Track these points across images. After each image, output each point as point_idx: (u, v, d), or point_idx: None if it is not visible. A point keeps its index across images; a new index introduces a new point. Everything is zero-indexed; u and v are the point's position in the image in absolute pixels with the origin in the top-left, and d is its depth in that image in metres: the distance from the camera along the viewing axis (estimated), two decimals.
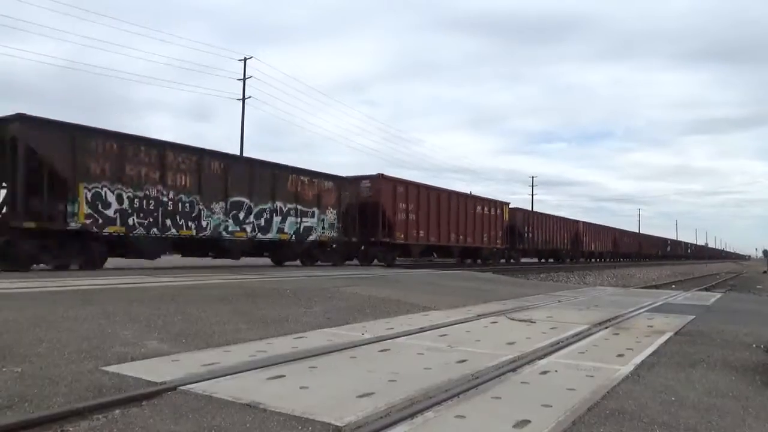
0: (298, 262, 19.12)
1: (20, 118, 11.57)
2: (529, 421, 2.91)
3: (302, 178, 18.47)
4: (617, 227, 57.64)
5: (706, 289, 21.43)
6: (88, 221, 12.45)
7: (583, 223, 45.80)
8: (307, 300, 7.88)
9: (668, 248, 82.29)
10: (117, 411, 2.93)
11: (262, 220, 16.92)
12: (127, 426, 2.72)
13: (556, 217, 40.17)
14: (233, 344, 4.83)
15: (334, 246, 20.08)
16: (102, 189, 12.83)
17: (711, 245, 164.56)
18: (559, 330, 6.23)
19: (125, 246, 13.73)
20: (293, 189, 17.98)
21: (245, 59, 38.93)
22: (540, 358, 4.62)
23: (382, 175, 21.73)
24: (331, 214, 19.58)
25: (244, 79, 38.75)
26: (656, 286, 22.78)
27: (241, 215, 16.15)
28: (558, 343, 5.39)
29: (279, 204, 17.42)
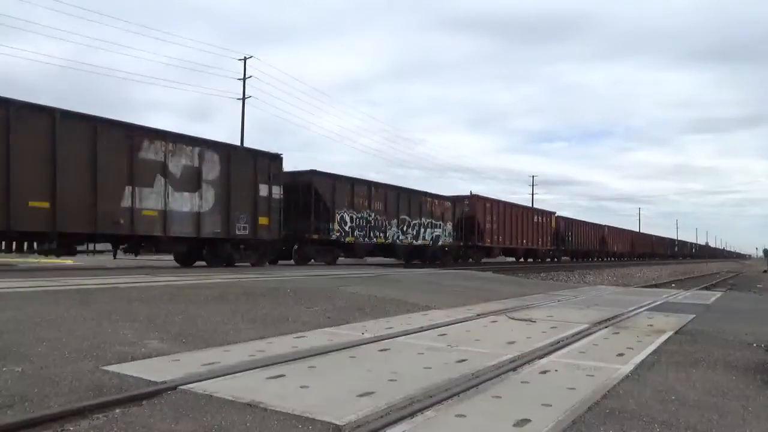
0: (417, 262, 25.56)
1: (313, 172, 20.05)
2: (529, 420, 2.91)
3: (435, 200, 26.54)
4: (634, 230, 70.52)
5: (707, 288, 21.42)
6: (337, 234, 20.48)
7: (608, 227, 53.51)
8: (307, 299, 7.88)
9: (676, 248, 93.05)
10: (117, 410, 2.93)
11: (415, 231, 24.91)
12: (128, 425, 2.73)
13: (588, 222, 48.82)
14: (233, 344, 4.83)
15: (447, 249, 27.18)
16: (344, 213, 20.90)
17: (711, 245, 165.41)
18: (560, 329, 6.23)
19: (351, 250, 21.77)
20: (429, 208, 25.97)
21: (245, 59, 38.96)
22: (540, 357, 4.62)
23: (476, 195, 29.58)
24: (449, 226, 27.24)
25: (245, 79, 38.77)
26: (656, 285, 22.77)
27: (404, 228, 24.24)
28: (558, 342, 5.39)
29: (423, 219, 25.42)
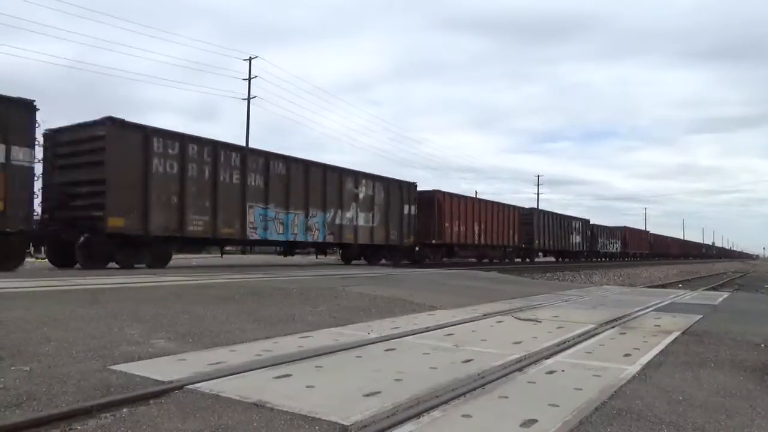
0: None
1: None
2: (536, 421, 2.90)
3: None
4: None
5: (713, 289, 21.29)
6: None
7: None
8: (313, 299, 7.89)
9: (703, 249, 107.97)
10: (125, 410, 2.94)
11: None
12: (135, 424, 2.73)
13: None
14: (239, 343, 4.84)
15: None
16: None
17: (718, 244, 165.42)
18: (566, 329, 6.21)
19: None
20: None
21: (250, 59, 39.08)
22: (546, 357, 4.60)
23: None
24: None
25: (249, 79, 38.86)
26: (663, 286, 22.64)
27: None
28: (564, 342, 5.37)
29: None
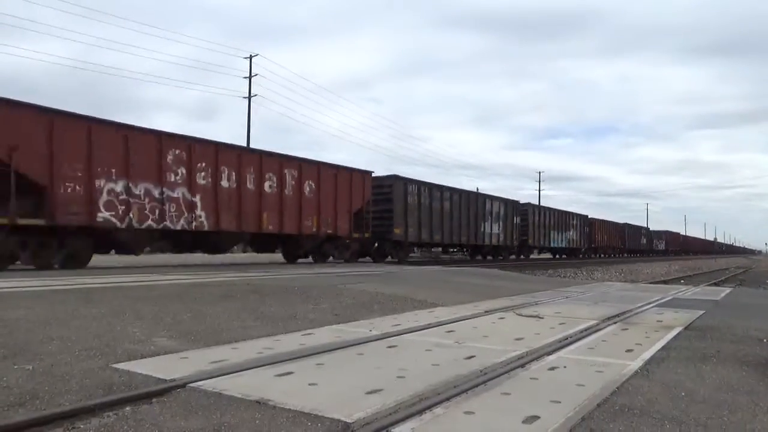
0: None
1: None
2: (538, 417, 2.90)
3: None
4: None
5: (716, 284, 21.29)
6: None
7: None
8: (315, 297, 7.89)
9: (714, 246, 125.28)
10: (127, 408, 2.95)
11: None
12: (138, 423, 2.74)
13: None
14: (241, 341, 4.84)
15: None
16: None
17: (720, 240, 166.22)
18: (568, 325, 6.21)
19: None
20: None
21: (251, 57, 39.04)
22: (548, 353, 4.60)
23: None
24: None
25: (250, 77, 38.82)
26: (665, 282, 22.65)
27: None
28: (566, 338, 5.37)
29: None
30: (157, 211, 14.05)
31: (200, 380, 3.45)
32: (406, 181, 23.62)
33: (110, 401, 3.01)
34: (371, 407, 2.99)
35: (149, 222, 13.84)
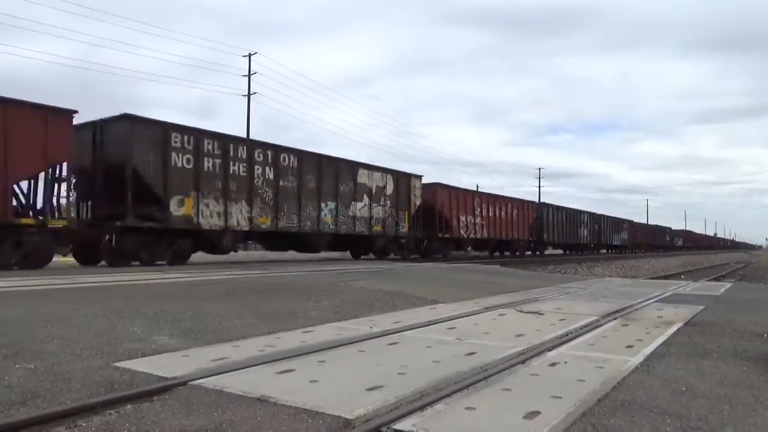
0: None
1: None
2: (539, 413, 2.91)
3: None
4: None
5: (716, 280, 21.29)
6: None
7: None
8: (316, 294, 7.90)
9: (721, 243, 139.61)
10: (129, 406, 2.95)
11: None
12: (140, 421, 2.74)
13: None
14: (242, 339, 4.85)
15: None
16: None
17: (720, 235, 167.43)
18: (568, 321, 6.21)
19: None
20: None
21: (250, 55, 38.99)
22: (549, 349, 4.61)
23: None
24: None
25: (249, 75, 38.78)
26: (665, 277, 22.65)
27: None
28: (567, 334, 5.37)
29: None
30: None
31: (201, 378, 3.45)
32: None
33: (112, 399, 3.01)
34: (372, 404, 2.99)
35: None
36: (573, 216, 41.63)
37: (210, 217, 15.13)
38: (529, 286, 11.11)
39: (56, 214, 12.51)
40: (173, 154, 14.27)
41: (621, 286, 12.01)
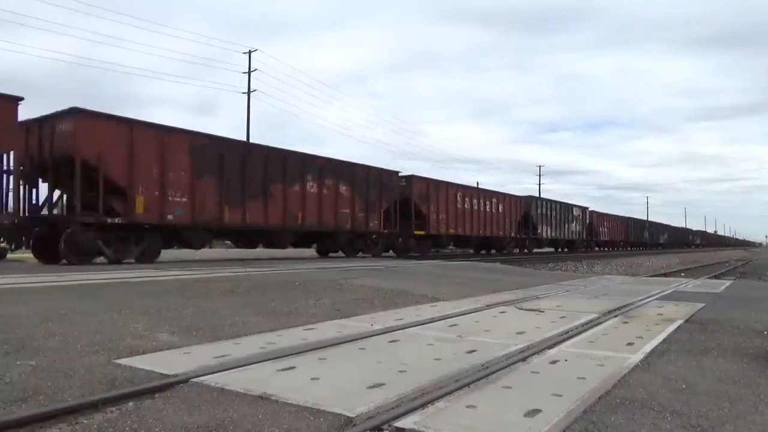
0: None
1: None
2: (540, 410, 2.91)
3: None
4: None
5: (716, 277, 21.28)
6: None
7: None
8: (317, 292, 7.90)
9: (725, 241, 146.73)
10: (130, 403, 2.96)
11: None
12: (141, 418, 2.75)
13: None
14: (243, 336, 4.85)
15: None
16: None
17: (720, 232, 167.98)
18: (569, 319, 6.22)
19: None
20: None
21: (250, 52, 38.94)
22: (550, 347, 4.61)
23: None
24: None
25: (249, 72, 38.73)
26: (665, 275, 22.65)
27: None
28: (567, 332, 5.38)
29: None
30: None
31: (203, 375, 3.46)
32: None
33: (113, 397, 3.01)
34: (373, 401, 3.00)
35: None
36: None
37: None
38: (529, 284, 11.12)
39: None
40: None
41: (621, 284, 12.01)
